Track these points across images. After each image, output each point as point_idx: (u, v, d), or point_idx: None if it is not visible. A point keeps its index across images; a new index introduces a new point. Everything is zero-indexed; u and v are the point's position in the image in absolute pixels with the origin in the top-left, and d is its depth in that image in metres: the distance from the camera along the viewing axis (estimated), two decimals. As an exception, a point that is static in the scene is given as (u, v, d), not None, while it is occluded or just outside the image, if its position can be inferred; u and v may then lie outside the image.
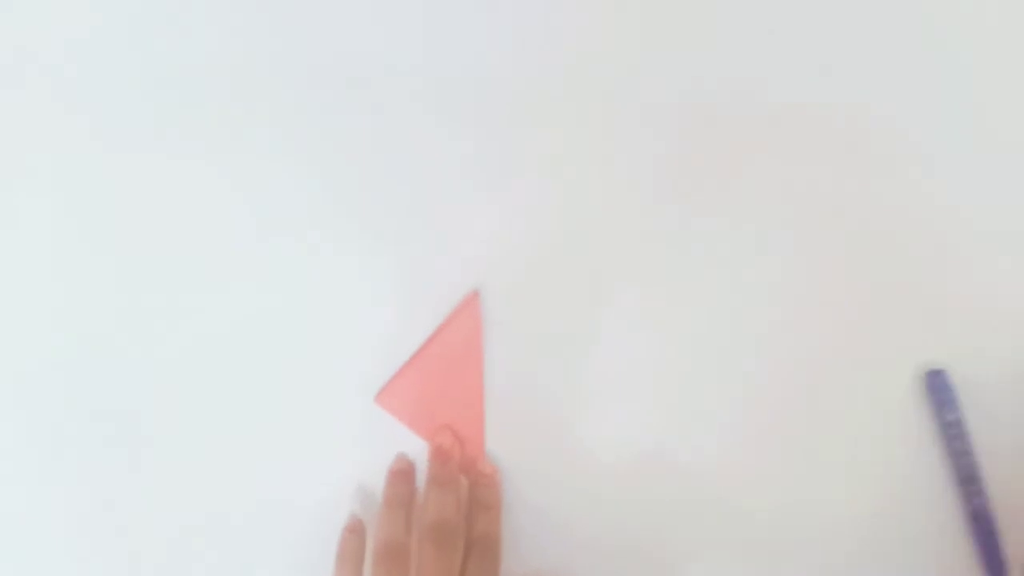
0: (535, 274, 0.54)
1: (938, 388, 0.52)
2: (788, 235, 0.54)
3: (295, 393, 0.53)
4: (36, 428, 0.52)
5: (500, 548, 0.51)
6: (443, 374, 0.53)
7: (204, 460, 0.52)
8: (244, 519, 0.52)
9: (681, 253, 0.54)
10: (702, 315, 0.54)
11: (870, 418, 0.53)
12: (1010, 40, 0.55)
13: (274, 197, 0.53)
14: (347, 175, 0.54)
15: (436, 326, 0.53)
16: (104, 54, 0.53)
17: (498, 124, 0.54)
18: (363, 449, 0.53)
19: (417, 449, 0.53)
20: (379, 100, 0.54)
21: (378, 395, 0.53)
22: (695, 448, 0.53)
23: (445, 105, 0.54)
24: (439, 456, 0.52)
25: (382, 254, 0.54)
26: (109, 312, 0.52)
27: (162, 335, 0.52)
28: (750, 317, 0.54)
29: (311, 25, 0.54)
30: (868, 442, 0.53)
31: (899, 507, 0.52)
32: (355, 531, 0.51)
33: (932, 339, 0.53)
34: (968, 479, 0.51)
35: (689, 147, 0.54)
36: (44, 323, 0.52)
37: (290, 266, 0.53)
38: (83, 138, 0.52)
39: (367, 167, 0.54)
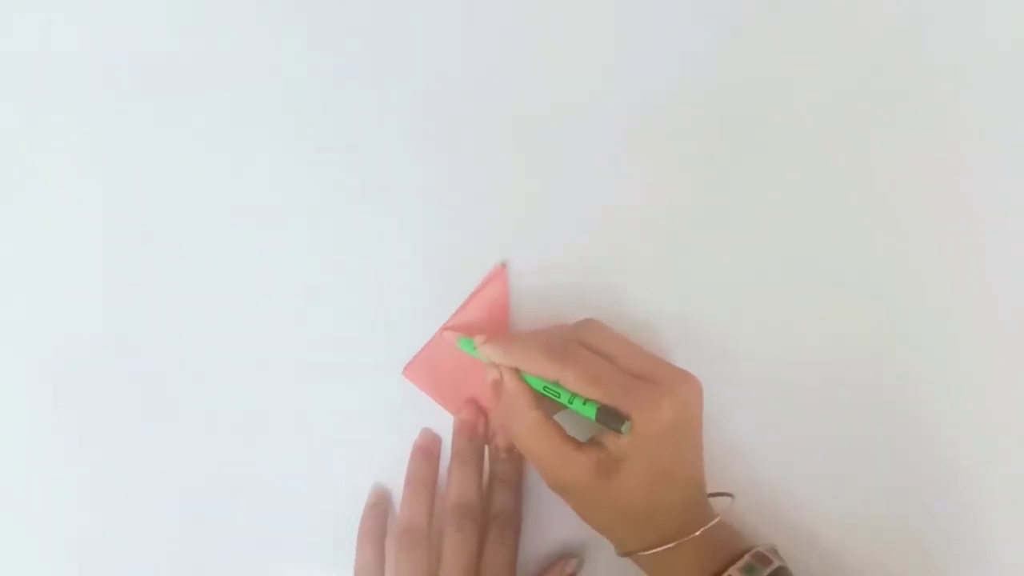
0: (562, 246, 0.53)
1: None
2: (819, 206, 0.53)
3: (323, 366, 0.53)
4: (67, 412, 0.53)
5: (519, 523, 0.51)
6: (471, 347, 0.53)
7: (232, 434, 0.53)
8: (271, 494, 0.53)
9: (708, 224, 0.53)
10: (730, 287, 0.53)
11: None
12: None
13: (302, 175, 0.54)
14: (372, 150, 0.54)
15: (463, 299, 0.53)
16: (118, 46, 0.54)
17: (524, 97, 0.54)
18: (390, 422, 0.53)
19: (444, 423, 0.53)
20: (405, 78, 0.53)
21: (405, 368, 0.53)
22: (723, 422, 0.52)
23: (470, 81, 0.54)
24: (463, 430, 0.52)
25: (410, 227, 0.54)
26: (141, 290, 0.53)
27: (193, 312, 0.53)
28: (778, 293, 0.53)
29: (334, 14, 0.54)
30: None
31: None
32: (376, 507, 0.52)
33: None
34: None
35: (720, 120, 0.53)
36: (74, 307, 0.53)
37: (318, 242, 0.53)
38: (119, 127, 0.54)
39: (392, 141, 0.53)
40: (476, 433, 0.52)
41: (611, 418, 0.44)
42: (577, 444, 0.46)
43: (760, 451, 0.53)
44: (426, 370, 0.53)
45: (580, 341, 0.47)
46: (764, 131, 0.54)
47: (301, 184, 0.54)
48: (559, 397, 0.46)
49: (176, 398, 0.53)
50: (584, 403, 0.45)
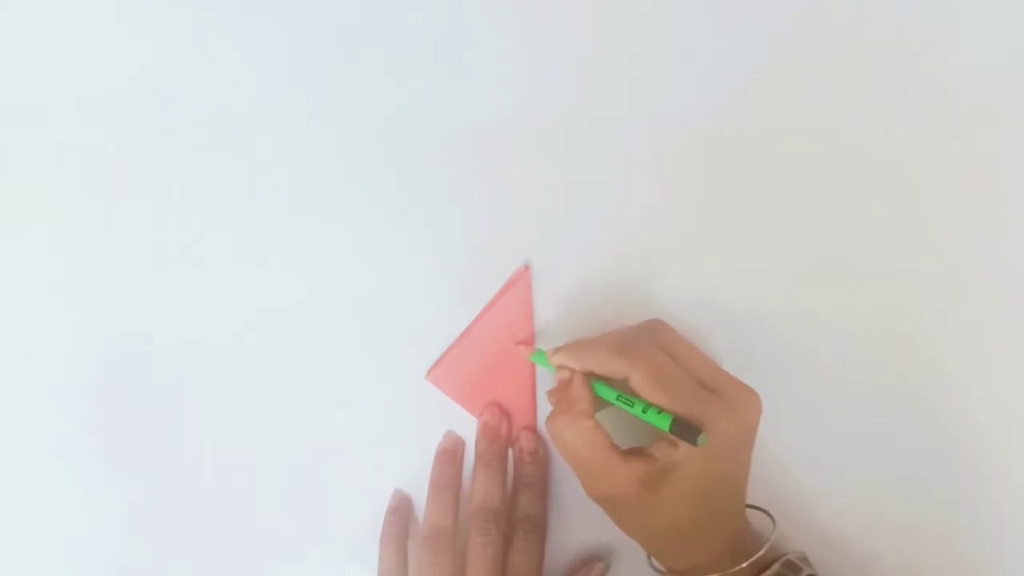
0: (585, 247, 0.53)
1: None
2: (847, 205, 0.53)
3: (347, 370, 0.53)
4: (91, 412, 0.53)
5: (545, 527, 0.51)
6: (494, 350, 0.53)
7: (255, 437, 0.53)
8: (294, 497, 0.53)
9: (732, 224, 0.53)
10: (755, 287, 0.53)
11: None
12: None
13: (326, 178, 0.54)
14: (395, 154, 0.54)
15: (487, 301, 0.53)
16: (135, 49, 0.55)
17: (546, 97, 0.54)
18: (413, 426, 0.53)
19: (468, 427, 0.53)
20: (428, 83, 0.54)
21: (429, 372, 0.53)
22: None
23: (492, 86, 0.54)
24: (486, 433, 0.52)
25: (433, 230, 0.53)
26: (167, 293, 0.53)
27: (218, 317, 0.53)
28: (803, 295, 0.53)
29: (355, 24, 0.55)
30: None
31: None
32: (398, 511, 0.52)
33: None
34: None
35: (743, 122, 0.53)
36: (100, 309, 0.54)
37: (342, 245, 0.54)
38: (139, 132, 0.54)
39: (415, 145, 0.54)
40: (499, 436, 0.51)
41: (686, 430, 0.43)
42: (623, 455, 0.45)
43: (791, 458, 0.52)
44: (450, 374, 0.53)
45: (650, 341, 0.46)
46: (787, 133, 0.53)
47: (322, 188, 0.54)
48: (632, 407, 0.45)
49: (200, 402, 0.53)
50: (659, 413, 0.44)
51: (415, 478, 0.52)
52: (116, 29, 0.54)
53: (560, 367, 0.47)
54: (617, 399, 0.46)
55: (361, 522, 0.52)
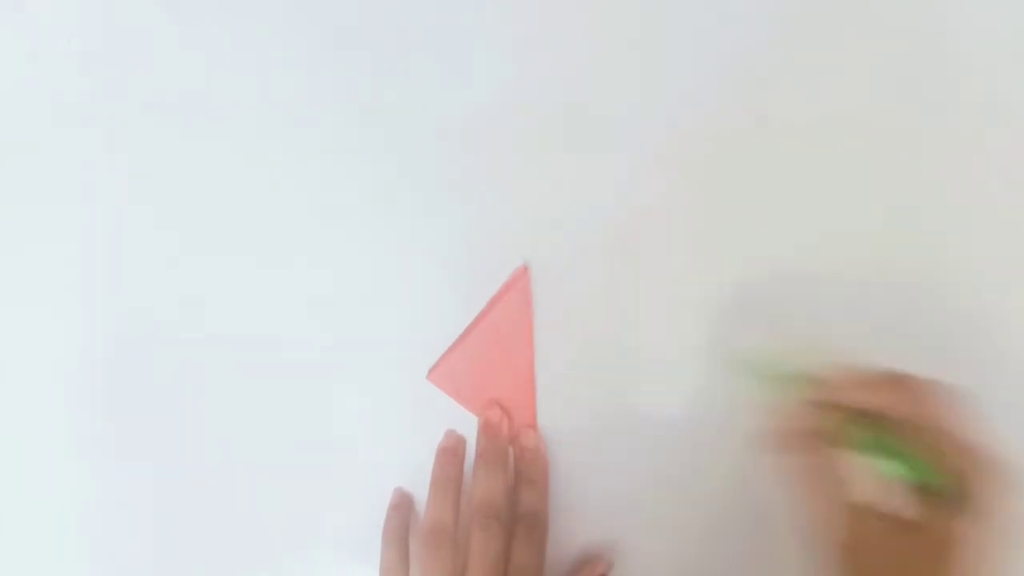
0: (584, 247, 0.53)
1: None
2: (843, 204, 0.53)
3: (349, 371, 0.53)
4: (91, 412, 0.54)
5: (546, 524, 0.51)
6: (494, 349, 0.53)
7: (259, 436, 0.53)
8: (295, 495, 0.53)
9: (732, 225, 0.53)
10: (755, 288, 0.53)
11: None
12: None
13: (325, 178, 0.54)
14: (395, 153, 0.54)
15: (486, 302, 0.53)
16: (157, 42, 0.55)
17: (546, 97, 0.54)
18: (416, 425, 0.53)
19: (469, 425, 0.53)
20: (425, 81, 0.54)
21: (430, 372, 0.53)
22: (749, 417, 0.51)
23: (491, 83, 0.54)
24: (487, 431, 0.52)
25: (432, 230, 0.54)
26: (167, 291, 0.54)
27: (219, 317, 0.54)
28: (803, 288, 0.53)
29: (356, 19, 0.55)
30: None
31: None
32: (399, 508, 0.52)
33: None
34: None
35: (744, 120, 0.53)
36: (103, 306, 0.54)
37: (341, 245, 0.54)
38: (139, 132, 0.54)
39: (412, 145, 0.54)
40: (500, 434, 0.52)
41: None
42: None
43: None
44: (451, 374, 0.53)
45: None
46: (790, 133, 0.53)
47: (322, 188, 0.54)
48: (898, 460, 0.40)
49: (200, 400, 0.53)
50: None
51: (416, 476, 0.52)
52: (117, 29, 0.54)
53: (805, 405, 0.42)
54: (875, 445, 0.39)
55: (363, 520, 0.52)
